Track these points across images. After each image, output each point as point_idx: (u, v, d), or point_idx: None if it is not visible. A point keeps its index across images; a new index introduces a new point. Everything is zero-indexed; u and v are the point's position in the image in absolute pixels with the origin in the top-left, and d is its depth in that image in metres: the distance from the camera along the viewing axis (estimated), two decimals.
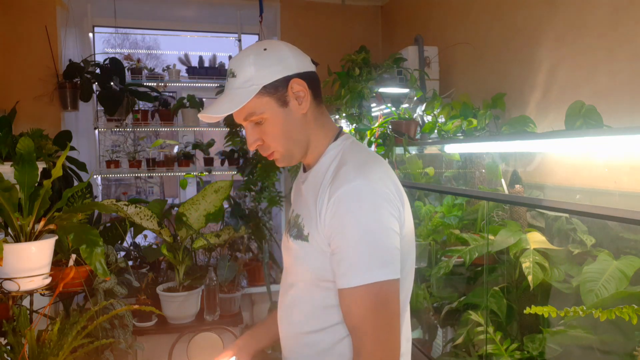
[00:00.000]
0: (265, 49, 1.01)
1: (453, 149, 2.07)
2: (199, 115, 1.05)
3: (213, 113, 1.00)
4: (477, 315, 1.67)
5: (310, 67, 1.05)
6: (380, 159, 1.04)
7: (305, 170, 1.12)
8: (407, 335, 1.08)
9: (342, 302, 0.94)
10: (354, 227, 0.91)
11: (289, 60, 1.01)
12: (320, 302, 1.01)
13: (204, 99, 3.51)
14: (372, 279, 0.89)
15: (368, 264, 0.90)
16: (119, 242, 2.93)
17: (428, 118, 2.15)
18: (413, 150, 2.19)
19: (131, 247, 3.13)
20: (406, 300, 1.06)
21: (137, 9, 3.53)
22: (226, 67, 3.59)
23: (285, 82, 1.00)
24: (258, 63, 0.99)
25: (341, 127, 1.11)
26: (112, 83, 3.10)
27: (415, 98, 2.25)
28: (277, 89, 1.00)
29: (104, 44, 4.15)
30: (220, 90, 3.19)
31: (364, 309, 0.91)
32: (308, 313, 1.03)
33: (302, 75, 1.02)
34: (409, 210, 1.02)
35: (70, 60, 3.09)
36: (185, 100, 3.37)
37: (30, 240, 1.53)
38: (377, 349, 0.90)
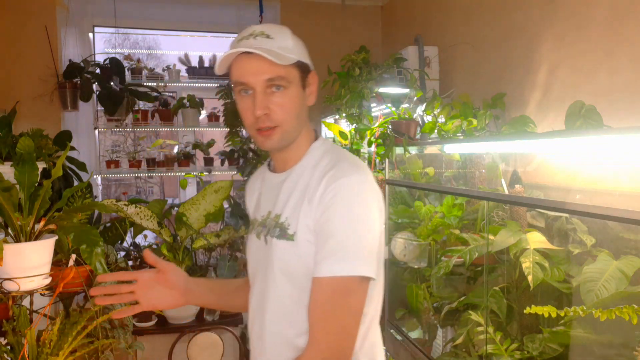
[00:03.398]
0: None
1: (453, 149, 2.07)
2: (233, 51, 0.96)
3: (263, 52, 0.92)
4: (477, 315, 1.67)
5: None
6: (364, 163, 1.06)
7: (276, 170, 1.09)
8: (375, 340, 1.04)
9: (312, 289, 0.93)
10: (344, 217, 0.90)
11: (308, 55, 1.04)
12: (305, 303, 0.96)
13: (204, 99, 3.51)
14: (344, 272, 0.88)
15: (351, 257, 0.89)
16: (119, 242, 2.93)
17: (428, 118, 2.15)
18: (413, 150, 2.19)
19: (131, 247, 3.13)
20: (378, 305, 1.03)
21: (137, 9, 3.53)
22: None
23: (309, 69, 1.03)
24: (295, 39, 1.00)
25: (316, 130, 1.13)
26: (112, 83, 3.10)
27: (415, 98, 2.25)
28: (304, 71, 1.01)
29: (105, 44, 4.15)
30: (220, 90, 3.18)
31: (325, 298, 0.90)
32: (294, 316, 0.98)
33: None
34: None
35: (70, 60, 3.09)
36: (185, 100, 3.37)
37: (30, 240, 1.53)
38: (325, 341, 0.89)
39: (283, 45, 0.97)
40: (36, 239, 1.54)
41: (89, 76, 3.06)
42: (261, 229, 1.05)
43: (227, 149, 3.43)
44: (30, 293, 1.55)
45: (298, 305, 0.97)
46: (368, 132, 2.34)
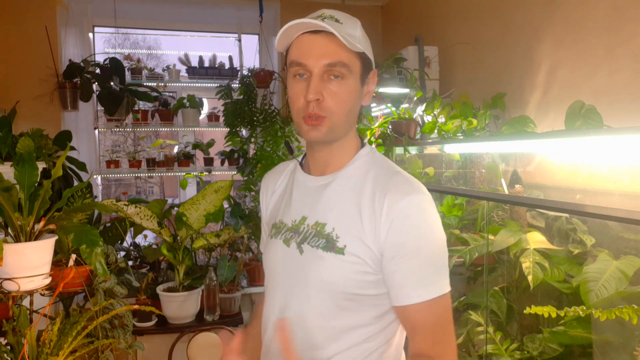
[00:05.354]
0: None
1: (453, 149, 2.07)
2: (301, 20, 0.94)
3: (332, 29, 0.88)
4: (477, 315, 1.67)
5: None
6: None
7: (312, 172, 1.03)
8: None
9: (411, 315, 0.90)
10: (425, 242, 0.89)
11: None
12: (344, 323, 0.93)
13: (204, 99, 3.51)
14: (442, 291, 0.89)
15: (439, 276, 0.90)
16: (119, 242, 2.93)
17: (428, 118, 2.15)
18: (413, 150, 2.19)
19: (131, 247, 3.13)
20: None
21: (137, 9, 3.53)
22: (226, 67, 3.62)
23: (371, 67, 0.97)
24: (363, 32, 0.96)
25: (362, 137, 1.06)
26: (112, 83, 3.10)
27: (415, 98, 2.25)
28: (366, 66, 0.95)
29: (105, 43, 4.15)
30: (220, 90, 3.19)
31: (441, 319, 0.90)
32: (329, 336, 0.93)
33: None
34: None
35: (70, 60, 3.09)
36: (185, 100, 3.37)
37: (30, 240, 1.53)
38: (453, 353, 0.91)
39: (351, 33, 0.91)
40: (36, 239, 1.54)
41: (88, 76, 3.06)
42: (292, 235, 0.98)
43: (227, 149, 3.43)
44: (30, 293, 1.55)
45: (333, 320, 0.93)
46: (368, 132, 2.34)
